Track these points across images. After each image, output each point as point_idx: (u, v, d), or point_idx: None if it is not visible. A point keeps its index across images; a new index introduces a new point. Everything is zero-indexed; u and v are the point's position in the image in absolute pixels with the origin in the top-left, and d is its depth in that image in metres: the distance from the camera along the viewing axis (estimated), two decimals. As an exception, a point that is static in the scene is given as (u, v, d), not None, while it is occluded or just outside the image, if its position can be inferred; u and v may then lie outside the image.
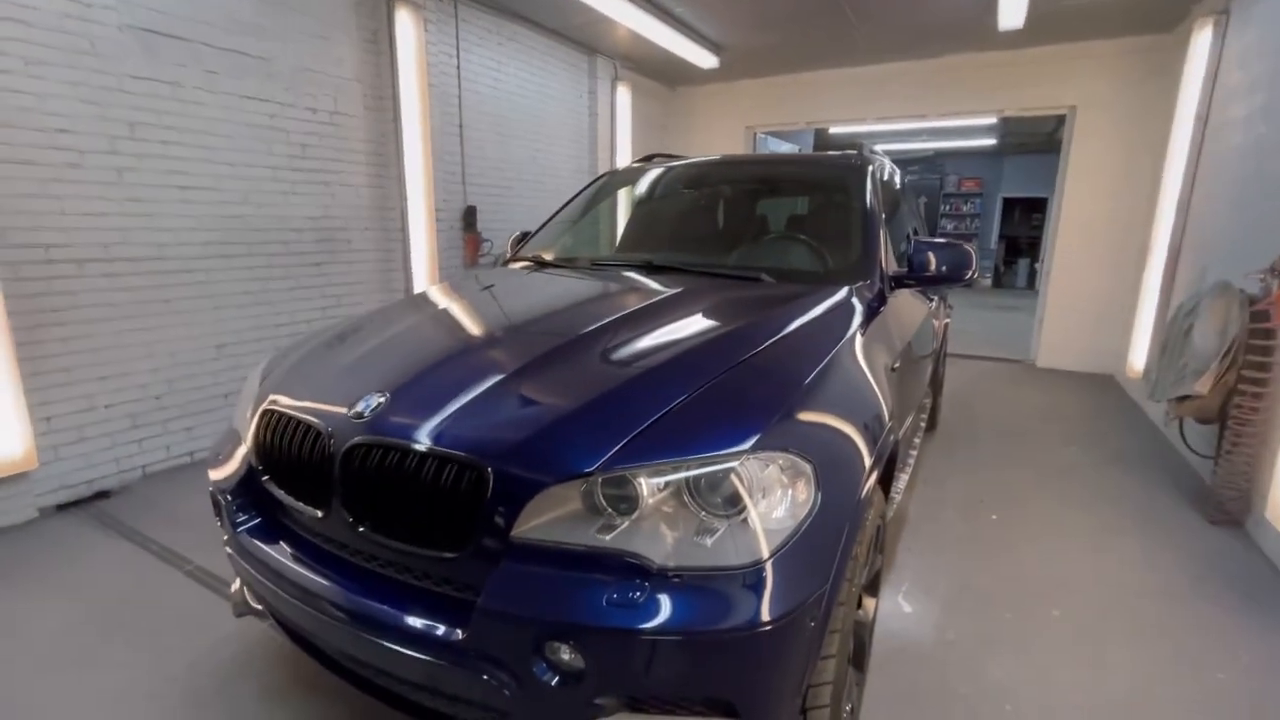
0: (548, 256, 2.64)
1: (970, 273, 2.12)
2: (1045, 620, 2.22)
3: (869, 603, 1.83)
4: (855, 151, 2.79)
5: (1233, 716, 1.81)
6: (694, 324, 1.76)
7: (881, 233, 2.24)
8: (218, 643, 2.02)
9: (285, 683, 1.85)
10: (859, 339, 1.75)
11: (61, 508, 2.95)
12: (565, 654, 1.13)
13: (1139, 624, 2.21)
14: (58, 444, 2.92)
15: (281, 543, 1.51)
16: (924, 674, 1.94)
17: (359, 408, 1.40)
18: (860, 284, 2.04)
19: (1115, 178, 5.54)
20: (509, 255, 2.85)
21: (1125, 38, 5.24)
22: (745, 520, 1.17)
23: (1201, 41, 4.23)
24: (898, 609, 2.27)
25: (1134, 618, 2.24)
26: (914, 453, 2.73)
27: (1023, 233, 14.17)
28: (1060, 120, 6.17)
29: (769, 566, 1.14)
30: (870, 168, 2.53)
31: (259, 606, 1.64)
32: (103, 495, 3.08)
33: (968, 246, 2.16)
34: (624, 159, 6.50)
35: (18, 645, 2.02)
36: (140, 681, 1.86)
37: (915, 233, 3.24)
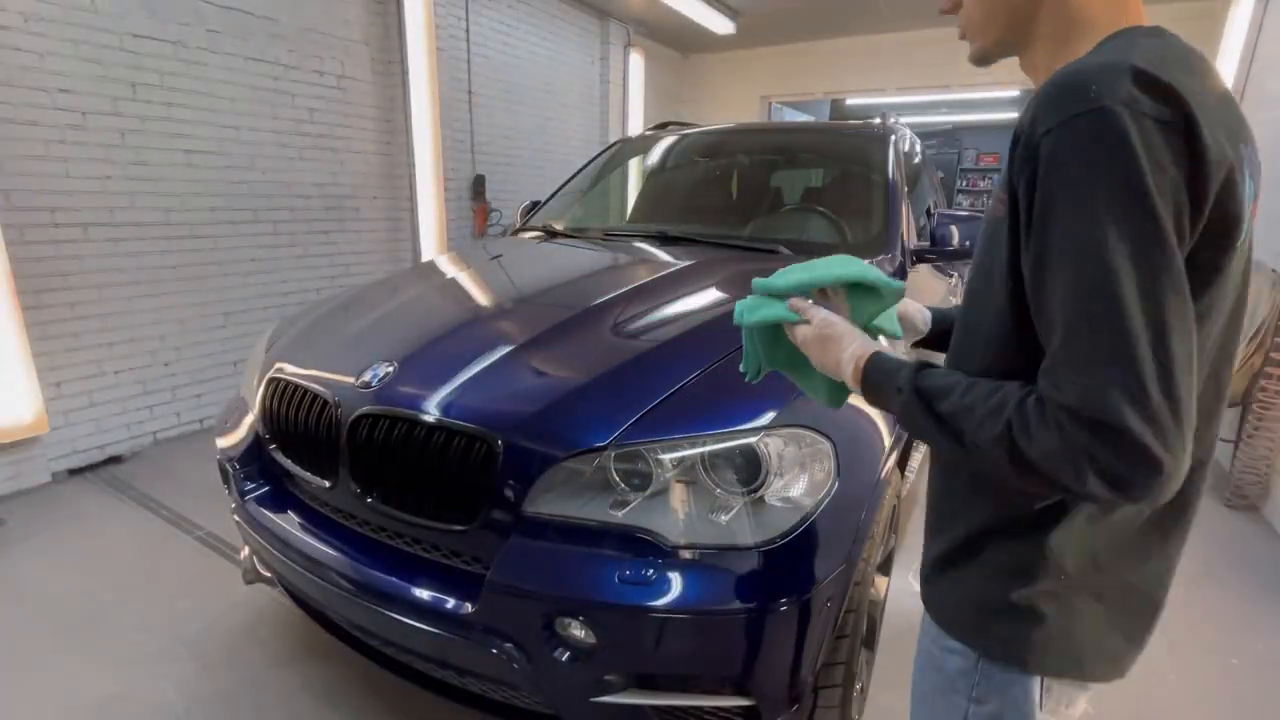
0: (558, 226, 2.58)
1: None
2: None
3: (881, 581, 1.80)
4: (877, 120, 2.69)
5: (1246, 702, 1.79)
6: (710, 296, 1.71)
7: (904, 205, 2.17)
8: (228, 608, 2.04)
9: (294, 649, 1.87)
10: (879, 314, 1.70)
11: (74, 472, 2.96)
12: (576, 630, 1.12)
13: (1152, 608, 2.18)
14: (68, 409, 2.92)
15: (289, 512, 1.50)
16: (934, 653, 1.92)
17: (366, 377, 1.37)
18: (881, 257, 1.98)
19: (1142, 153, 5.37)
20: (518, 225, 2.79)
21: (1160, 5, 5.03)
22: (762, 498, 1.14)
23: (1241, 12, 4.05)
24: (909, 587, 2.25)
25: (1148, 601, 2.21)
26: (928, 432, 2.69)
27: (1041, 210, 13.86)
28: (1087, 92, 5.96)
29: (785, 546, 1.11)
30: (893, 137, 2.45)
31: (268, 574, 1.63)
32: (115, 460, 3.09)
33: (993, 220, 2.08)
34: (636, 127, 6.36)
35: (31, 608, 2.04)
36: (151, 645, 1.88)
37: (935, 206, 3.15)
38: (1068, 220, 0.55)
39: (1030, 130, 0.58)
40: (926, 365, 0.68)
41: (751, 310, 0.86)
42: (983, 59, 0.77)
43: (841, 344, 0.75)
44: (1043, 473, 0.56)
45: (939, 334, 1.00)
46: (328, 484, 1.41)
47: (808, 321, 0.79)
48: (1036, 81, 0.71)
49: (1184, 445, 0.52)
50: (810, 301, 0.82)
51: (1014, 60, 0.76)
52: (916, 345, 1.06)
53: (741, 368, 0.90)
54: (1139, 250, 0.53)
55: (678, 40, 6.70)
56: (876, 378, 0.71)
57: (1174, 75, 0.54)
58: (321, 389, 1.43)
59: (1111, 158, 0.53)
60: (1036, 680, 0.71)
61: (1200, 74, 0.58)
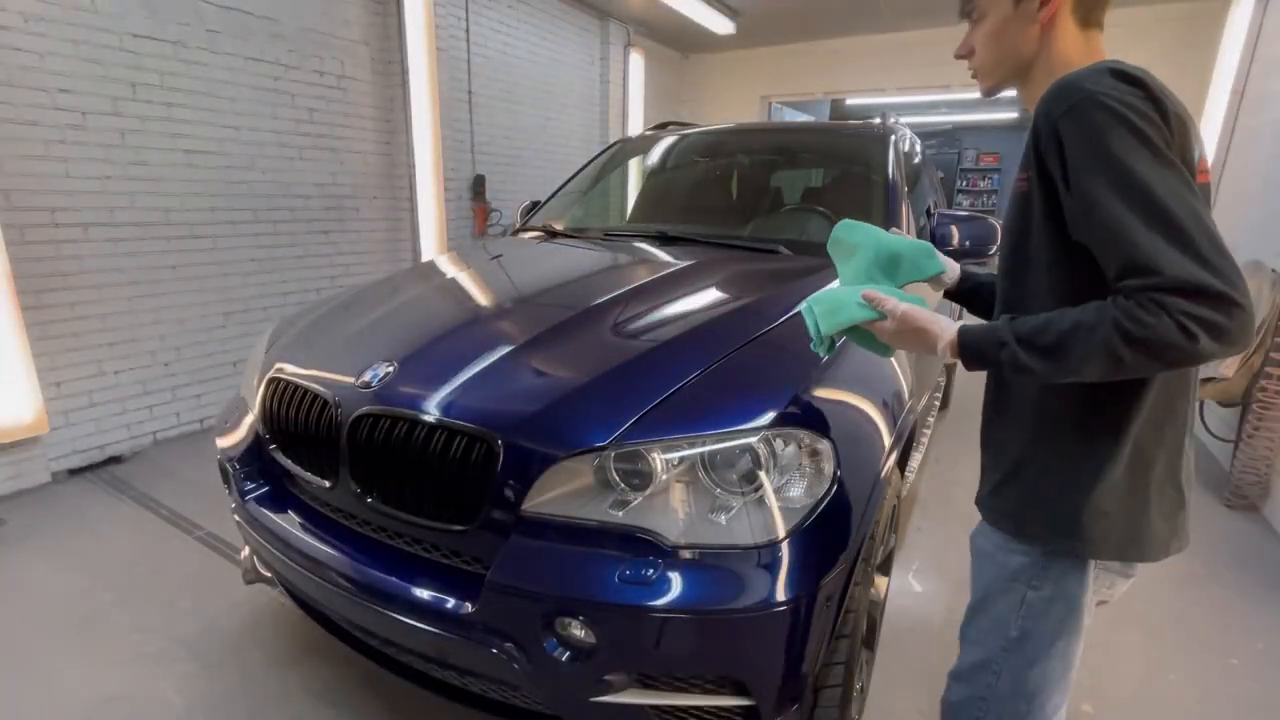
0: (558, 226, 2.58)
1: (995, 248, 2.05)
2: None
3: (881, 581, 1.80)
4: (877, 120, 2.69)
5: (1246, 702, 1.79)
6: (710, 296, 1.71)
7: (904, 205, 2.17)
8: (228, 608, 2.04)
9: (295, 649, 1.87)
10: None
11: (74, 472, 2.96)
12: (576, 630, 1.12)
13: (1152, 608, 2.18)
14: (68, 409, 2.92)
15: (290, 512, 1.50)
16: (934, 653, 1.93)
17: (366, 377, 1.37)
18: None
19: (1142, 153, 5.37)
20: (518, 225, 2.79)
21: (1161, 4, 5.03)
22: (761, 498, 1.14)
23: (1241, 11, 4.05)
24: (908, 587, 2.25)
25: (1147, 601, 2.21)
26: (928, 431, 2.70)
27: (1040, 210, 13.84)
28: (1087, 92, 5.97)
29: (785, 546, 1.12)
30: (893, 137, 2.45)
31: (268, 574, 1.64)
32: (115, 460, 3.09)
33: (993, 220, 2.08)
34: (636, 128, 6.37)
35: (31, 607, 2.04)
36: (151, 645, 1.88)
37: (935, 206, 3.15)
38: (1100, 168, 0.75)
39: (1047, 120, 0.81)
40: (1014, 318, 0.82)
41: (829, 317, 0.96)
42: (989, 93, 1.03)
43: (932, 333, 0.89)
44: (1159, 349, 0.70)
45: (965, 290, 1.24)
46: (328, 484, 1.41)
47: (884, 317, 0.92)
48: (1030, 105, 0.94)
49: (1246, 289, 0.70)
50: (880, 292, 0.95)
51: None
52: (947, 296, 1.27)
53: (813, 348, 1.01)
54: (1156, 169, 0.73)
55: (678, 40, 6.70)
56: (975, 346, 0.85)
57: (1139, 70, 0.79)
58: (321, 389, 1.43)
59: (1115, 121, 0.75)
60: (1089, 567, 0.92)
61: (1155, 78, 0.80)
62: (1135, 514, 0.89)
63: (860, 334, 0.97)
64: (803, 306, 1.01)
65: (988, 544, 1.01)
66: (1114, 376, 0.77)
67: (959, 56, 1.02)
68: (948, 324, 0.88)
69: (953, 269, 1.23)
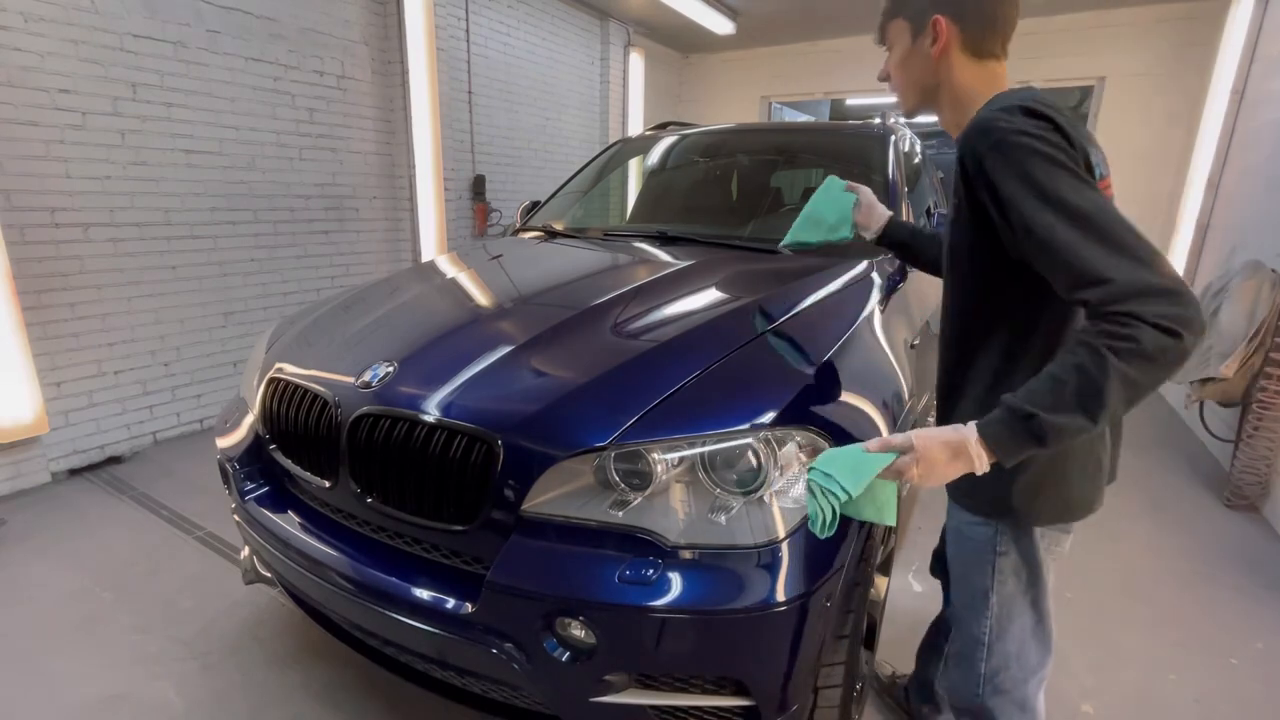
0: (558, 226, 2.58)
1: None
2: (1057, 603, 2.18)
3: (880, 582, 1.80)
4: (877, 120, 2.70)
5: (1246, 702, 1.79)
6: (709, 296, 1.71)
7: (904, 205, 2.17)
8: (228, 609, 2.04)
9: (295, 649, 1.87)
10: (879, 314, 1.70)
11: (74, 472, 2.96)
12: (576, 630, 1.12)
13: (1153, 608, 2.18)
14: (68, 409, 2.92)
15: (290, 512, 1.50)
16: (933, 653, 1.92)
17: (366, 377, 1.37)
18: (881, 258, 1.98)
19: (1142, 153, 5.37)
20: (518, 225, 2.79)
21: (1161, 4, 5.03)
22: (761, 498, 1.14)
23: (1241, 11, 4.05)
24: (908, 588, 2.25)
25: (1148, 602, 2.21)
26: (928, 432, 2.69)
27: (1041, 210, 13.84)
28: (1087, 93, 5.97)
29: (785, 546, 1.11)
30: (893, 137, 2.45)
31: (268, 574, 1.64)
32: (115, 460, 3.09)
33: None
34: (635, 128, 6.37)
35: (31, 607, 2.04)
36: (151, 646, 1.88)
37: (935, 206, 3.16)
38: (1028, 194, 0.84)
39: (973, 158, 0.91)
40: (1011, 396, 0.85)
41: (853, 476, 0.85)
42: (909, 115, 1.16)
43: (958, 441, 0.85)
44: (1157, 355, 0.74)
45: (896, 241, 1.49)
46: (328, 484, 1.41)
47: (903, 451, 0.87)
48: (947, 127, 1.09)
49: (1180, 277, 0.76)
50: (889, 438, 0.89)
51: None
52: (878, 243, 1.51)
53: (811, 527, 0.89)
54: (1077, 188, 0.83)
55: (677, 40, 6.71)
56: (1003, 433, 0.84)
57: (1045, 106, 0.90)
58: (321, 389, 1.43)
59: (1032, 153, 0.85)
60: (1035, 531, 1.07)
61: (1056, 107, 0.91)
62: (1062, 487, 1.03)
63: (872, 505, 0.88)
64: (809, 484, 0.89)
65: (953, 520, 1.15)
66: (1138, 399, 0.79)
67: (880, 79, 1.15)
68: (965, 437, 0.85)
69: (880, 216, 1.48)
